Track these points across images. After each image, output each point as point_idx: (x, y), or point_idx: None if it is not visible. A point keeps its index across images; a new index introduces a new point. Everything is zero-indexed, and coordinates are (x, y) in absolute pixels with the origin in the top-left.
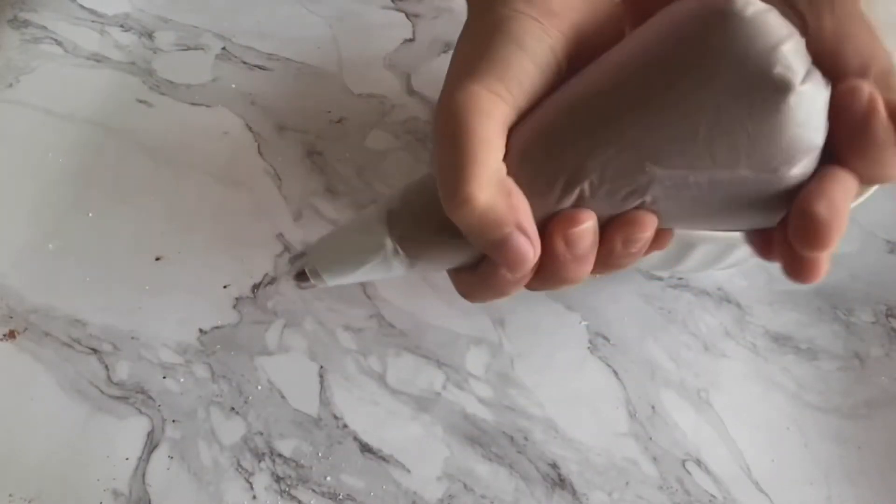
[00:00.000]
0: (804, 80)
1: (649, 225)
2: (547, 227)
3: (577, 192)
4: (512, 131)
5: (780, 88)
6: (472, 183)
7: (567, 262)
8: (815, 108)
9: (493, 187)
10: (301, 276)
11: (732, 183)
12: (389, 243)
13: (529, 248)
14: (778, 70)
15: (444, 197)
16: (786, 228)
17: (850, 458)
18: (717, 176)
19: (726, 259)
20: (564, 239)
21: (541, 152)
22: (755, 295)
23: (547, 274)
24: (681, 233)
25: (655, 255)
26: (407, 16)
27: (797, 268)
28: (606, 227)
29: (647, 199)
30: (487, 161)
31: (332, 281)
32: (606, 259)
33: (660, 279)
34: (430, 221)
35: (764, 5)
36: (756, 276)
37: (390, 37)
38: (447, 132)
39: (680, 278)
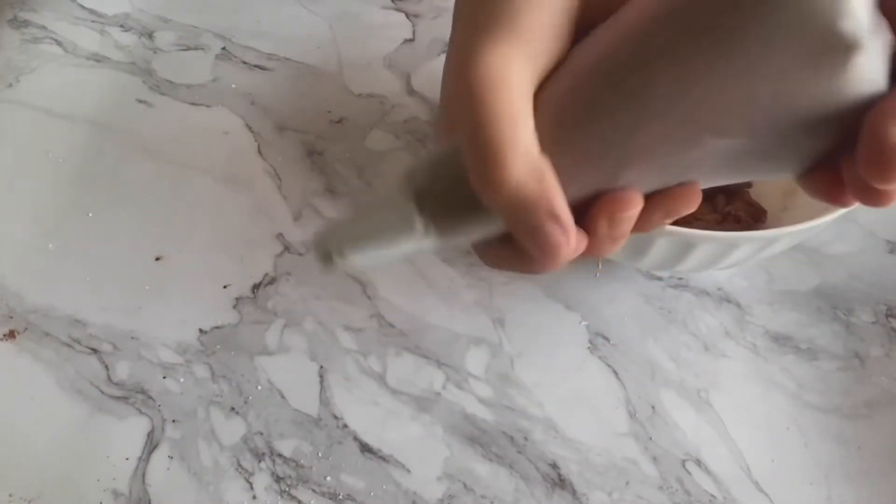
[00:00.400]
0: (871, 31)
1: (695, 199)
2: (593, 206)
3: (624, 172)
4: (538, 96)
5: (848, 46)
6: (503, 167)
7: (605, 243)
8: (882, 57)
9: (524, 170)
10: (326, 258)
11: (794, 140)
12: (420, 224)
13: (562, 239)
14: (845, 25)
15: (474, 181)
16: (851, 159)
17: (850, 458)
18: (776, 140)
19: (726, 259)
20: (609, 221)
21: (578, 127)
22: (755, 295)
23: (583, 251)
24: (681, 232)
25: (655, 255)
26: (407, 16)
27: (873, 196)
28: (648, 200)
29: (696, 173)
30: (518, 141)
31: (360, 262)
32: (640, 229)
33: (660, 279)
34: (462, 199)
35: None
36: (756, 276)
37: (390, 37)
38: (470, 109)
39: (680, 278)
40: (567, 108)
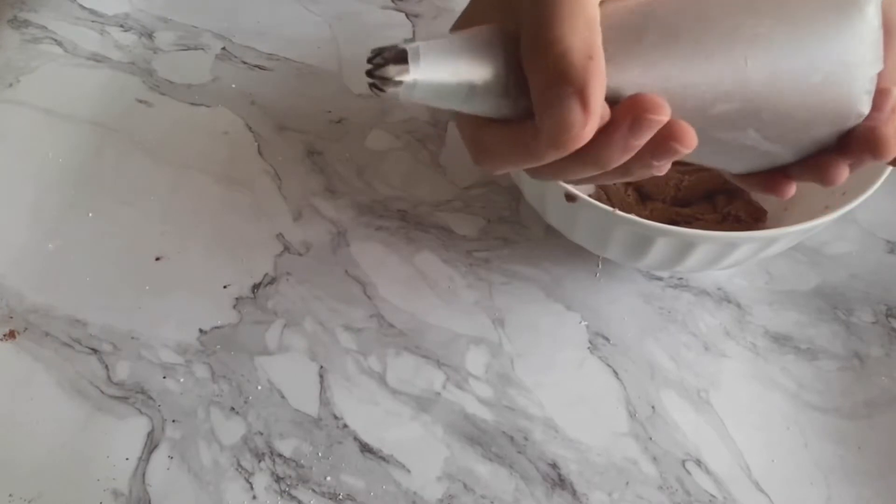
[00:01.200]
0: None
1: (691, 137)
2: (621, 103)
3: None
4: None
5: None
6: (559, 27)
7: (617, 146)
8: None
9: (578, 38)
10: (396, 60)
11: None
12: (498, 69)
13: (579, 121)
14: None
15: (526, 37)
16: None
17: (850, 458)
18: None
19: (726, 259)
20: (633, 122)
21: (651, 40)
22: (755, 295)
23: (588, 151)
24: (681, 232)
25: (655, 255)
26: (407, 16)
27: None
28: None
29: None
30: (583, 8)
31: (426, 75)
32: (630, 170)
33: (660, 279)
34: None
35: None
36: (756, 276)
37: (390, 37)
38: None
39: (680, 278)
40: (644, 20)
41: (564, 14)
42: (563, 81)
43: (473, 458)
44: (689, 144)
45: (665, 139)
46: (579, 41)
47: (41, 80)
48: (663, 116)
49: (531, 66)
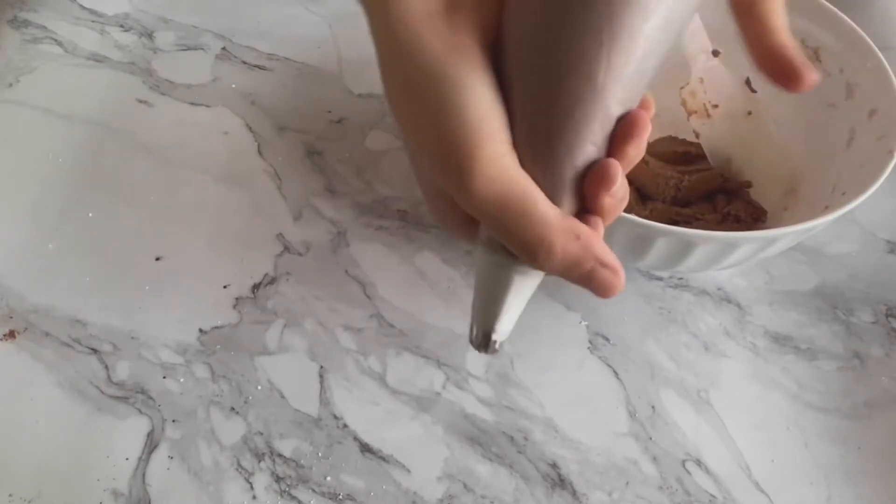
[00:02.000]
0: None
1: (645, 122)
2: (588, 192)
3: (585, 152)
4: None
5: None
6: (546, 239)
7: (616, 208)
8: None
9: (563, 236)
10: (486, 343)
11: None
12: (511, 263)
13: (615, 279)
14: None
15: (522, 257)
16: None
17: (850, 458)
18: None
19: (726, 259)
20: (611, 196)
21: (541, 156)
22: (755, 295)
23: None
24: (681, 232)
25: (655, 255)
26: None
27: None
28: (615, 149)
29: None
30: (547, 214)
31: (510, 325)
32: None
33: (660, 279)
34: None
35: None
36: (756, 276)
37: None
38: (497, 206)
39: (680, 278)
40: (530, 153)
41: (538, 227)
42: (580, 265)
43: (473, 458)
44: (645, 131)
45: (636, 137)
46: (565, 235)
47: (41, 80)
48: (620, 189)
49: (545, 271)
